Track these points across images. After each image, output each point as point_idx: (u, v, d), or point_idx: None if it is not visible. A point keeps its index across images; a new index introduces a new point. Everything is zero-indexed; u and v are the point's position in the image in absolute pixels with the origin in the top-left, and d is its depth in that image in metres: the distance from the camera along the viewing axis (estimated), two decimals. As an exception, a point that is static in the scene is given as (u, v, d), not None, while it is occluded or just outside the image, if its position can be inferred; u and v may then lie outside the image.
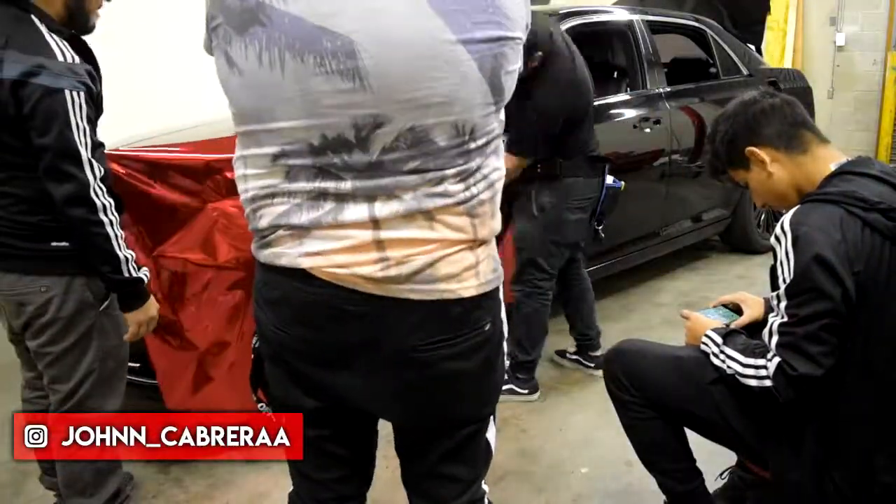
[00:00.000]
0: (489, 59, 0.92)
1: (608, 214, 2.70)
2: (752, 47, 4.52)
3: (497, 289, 1.07)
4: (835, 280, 1.28)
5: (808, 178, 1.44)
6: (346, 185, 0.93)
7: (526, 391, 2.64)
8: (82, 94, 1.51)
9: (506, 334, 1.12)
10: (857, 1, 6.24)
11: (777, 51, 6.40)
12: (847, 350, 1.33)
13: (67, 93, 1.48)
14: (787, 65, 6.31)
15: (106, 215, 1.55)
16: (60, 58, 1.50)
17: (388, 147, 0.91)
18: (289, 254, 0.98)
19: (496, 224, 1.04)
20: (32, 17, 1.53)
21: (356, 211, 0.94)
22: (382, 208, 0.94)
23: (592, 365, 2.83)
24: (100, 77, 1.64)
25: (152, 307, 1.73)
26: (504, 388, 2.31)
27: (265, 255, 1.02)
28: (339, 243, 0.95)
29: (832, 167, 1.42)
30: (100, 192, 1.54)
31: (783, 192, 1.48)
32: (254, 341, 1.13)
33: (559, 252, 2.59)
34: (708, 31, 4.09)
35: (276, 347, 1.07)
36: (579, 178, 2.54)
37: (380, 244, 0.95)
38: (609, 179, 2.64)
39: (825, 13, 6.39)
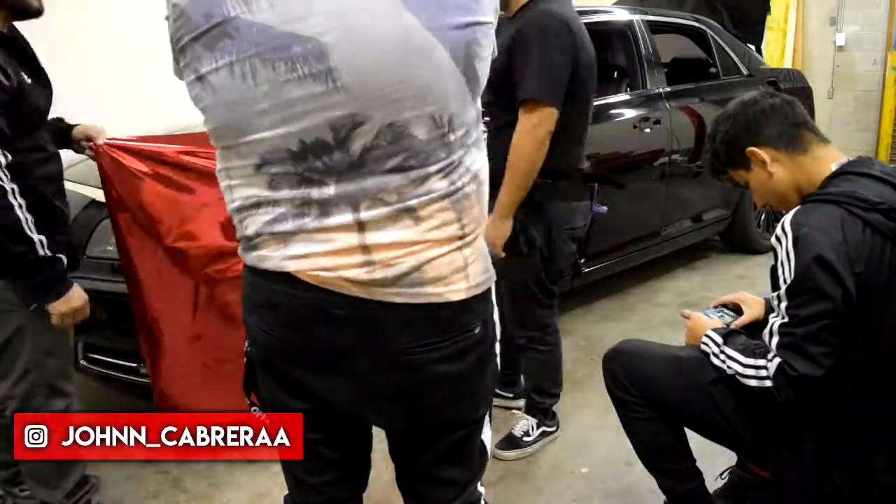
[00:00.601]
0: (462, 47, 0.91)
1: (591, 243, 2.35)
2: (752, 47, 4.52)
3: (489, 290, 1.05)
4: (835, 281, 1.28)
5: (808, 178, 1.44)
6: (329, 190, 0.92)
7: (553, 428, 2.42)
8: None
9: (498, 336, 1.10)
10: (857, 1, 6.24)
11: (777, 51, 6.40)
12: (847, 350, 1.33)
13: None
14: (787, 65, 6.31)
15: (14, 198, 1.54)
16: None
17: (368, 145, 0.90)
18: (273, 257, 0.97)
19: (483, 218, 1.03)
20: None
21: (341, 218, 0.93)
22: (367, 213, 0.93)
23: (511, 395, 2.62)
24: (35, 72, 1.65)
25: (75, 298, 1.69)
26: (537, 433, 2.36)
27: (251, 258, 1.01)
28: (323, 246, 0.94)
29: (833, 167, 1.42)
30: (4, 178, 1.53)
31: (784, 192, 1.48)
32: (245, 345, 1.13)
33: (554, 282, 2.22)
34: (708, 31, 4.10)
35: (264, 351, 1.07)
36: (570, 202, 2.12)
37: (365, 248, 0.94)
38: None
39: (825, 13, 6.39)
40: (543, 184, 2.01)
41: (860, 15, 6.26)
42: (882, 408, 1.38)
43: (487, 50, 0.96)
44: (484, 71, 0.97)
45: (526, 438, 2.34)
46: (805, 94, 4.34)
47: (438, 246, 0.96)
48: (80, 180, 2.46)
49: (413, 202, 0.94)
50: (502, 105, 1.97)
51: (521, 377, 2.59)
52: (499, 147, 1.89)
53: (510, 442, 2.34)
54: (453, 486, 1.15)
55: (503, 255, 2.02)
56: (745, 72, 4.16)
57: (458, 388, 1.06)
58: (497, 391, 2.51)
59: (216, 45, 0.89)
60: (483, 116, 2.02)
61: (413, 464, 1.15)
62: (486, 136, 1.91)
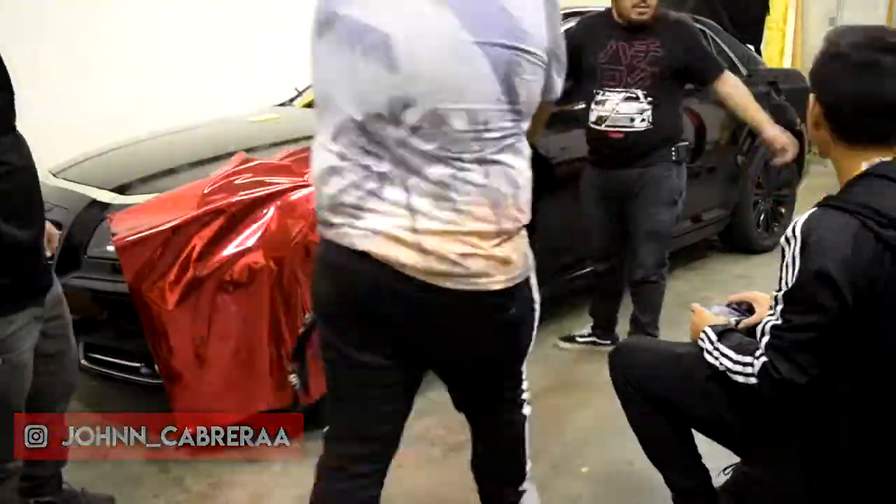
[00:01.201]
0: (502, 63, 1.09)
1: None
2: (752, 48, 4.52)
3: (527, 279, 1.23)
4: (834, 295, 1.26)
5: (842, 167, 1.39)
6: (384, 165, 1.11)
7: (606, 342, 2.95)
8: None
9: (537, 299, 1.27)
10: (857, 1, 6.25)
11: (776, 51, 6.42)
12: (846, 358, 1.32)
13: None
14: (787, 65, 6.33)
15: None
16: None
17: (413, 126, 1.09)
18: (349, 234, 1.15)
19: (523, 217, 1.19)
20: None
21: (394, 194, 1.11)
22: (415, 196, 1.11)
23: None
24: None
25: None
26: (589, 339, 3.02)
27: (329, 234, 1.19)
28: (385, 237, 1.12)
29: (864, 166, 1.36)
30: None
31: (823, 148, 1.45)
32: (305, 317, 1.23)
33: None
34: (707, 31, 4.09)
35: (331, 311, 1.25)
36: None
37: (421, 247, 1.12)
38: None
39: (824, 13, 6.41)
40: (686, 146, 2.73)
41: (859, 15, 6.28)
42: (881, 410, 1.37)
43: (532, 77, 1.13)
44: (529, 94, 1.14)
45: (579, 339, 3.04)
46: (804, 94, 4.31)
47: (479, 240, 1.13)
48: (81, 180, 2.46)
49: (454, 195, 1.11)
50: (667, 87, 2.61)
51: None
52: (664, 115, 2.60)
53: (568, 339, 3.07)
54: (504, 395, 1.39)
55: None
56: (743, 72, 4.16)
57: (500, 348, 1.28)
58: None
59: (323, 35, 1.14)
60: (647, 97, 2.59)
61: (470, 389, 1.38)
62: (653, 109, 2.58)
